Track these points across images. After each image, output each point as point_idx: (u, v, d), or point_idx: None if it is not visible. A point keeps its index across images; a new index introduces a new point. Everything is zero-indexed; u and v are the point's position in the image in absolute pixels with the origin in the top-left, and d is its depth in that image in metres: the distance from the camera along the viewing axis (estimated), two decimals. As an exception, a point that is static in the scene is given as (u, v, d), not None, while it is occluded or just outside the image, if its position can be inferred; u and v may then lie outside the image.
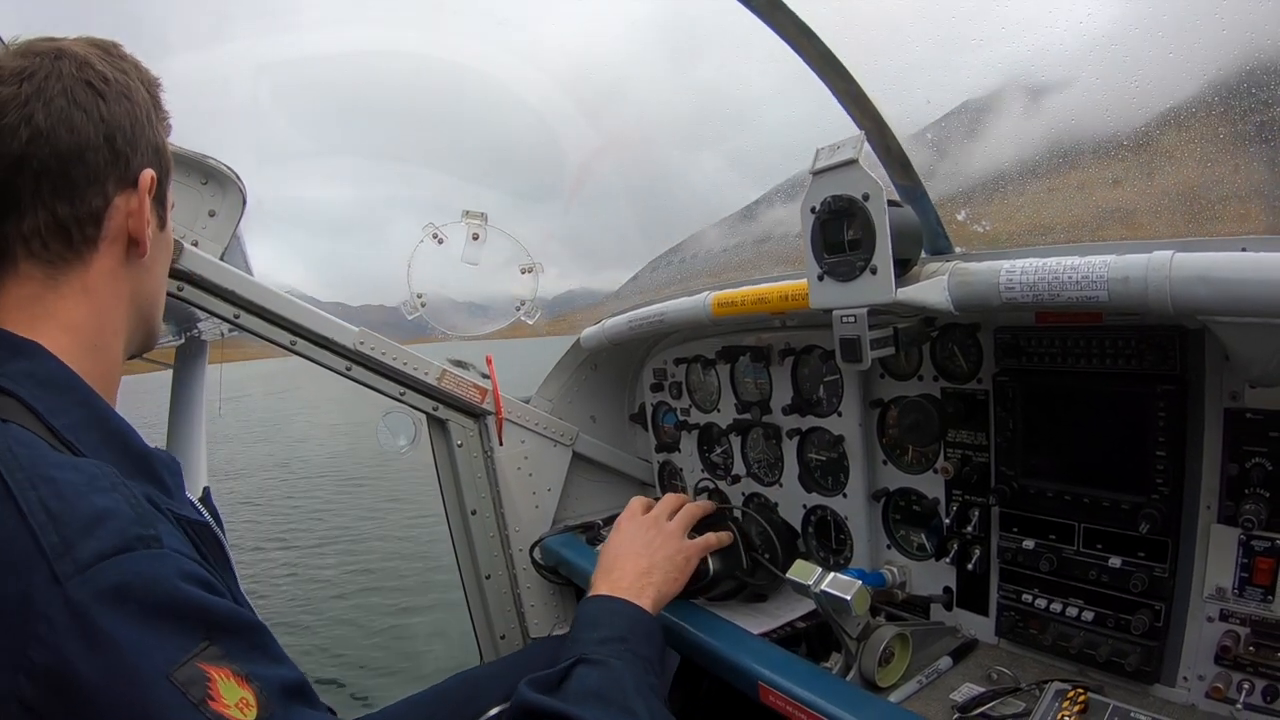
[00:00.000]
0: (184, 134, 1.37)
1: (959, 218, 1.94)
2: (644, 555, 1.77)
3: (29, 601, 0.80)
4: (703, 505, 2.08)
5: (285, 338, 2.42)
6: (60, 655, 0.78)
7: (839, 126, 1.85)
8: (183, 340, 3.27)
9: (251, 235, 2.38)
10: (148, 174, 1.17)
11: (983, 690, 1.69)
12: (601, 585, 1.71)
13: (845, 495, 2.31)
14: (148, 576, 0.86)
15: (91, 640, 0.80)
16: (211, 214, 2.23)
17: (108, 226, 1.14)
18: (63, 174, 1.08)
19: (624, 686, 1.36)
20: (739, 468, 2.74)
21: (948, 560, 2.01)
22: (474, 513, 2.87)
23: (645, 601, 1.69)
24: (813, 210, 1.76)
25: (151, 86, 1.24)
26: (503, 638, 2.93)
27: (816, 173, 1.73)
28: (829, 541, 2.43)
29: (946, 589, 2.06)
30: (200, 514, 1.16)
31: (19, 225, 1.08)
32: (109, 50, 1.20)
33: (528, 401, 2.98)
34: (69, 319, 1.11)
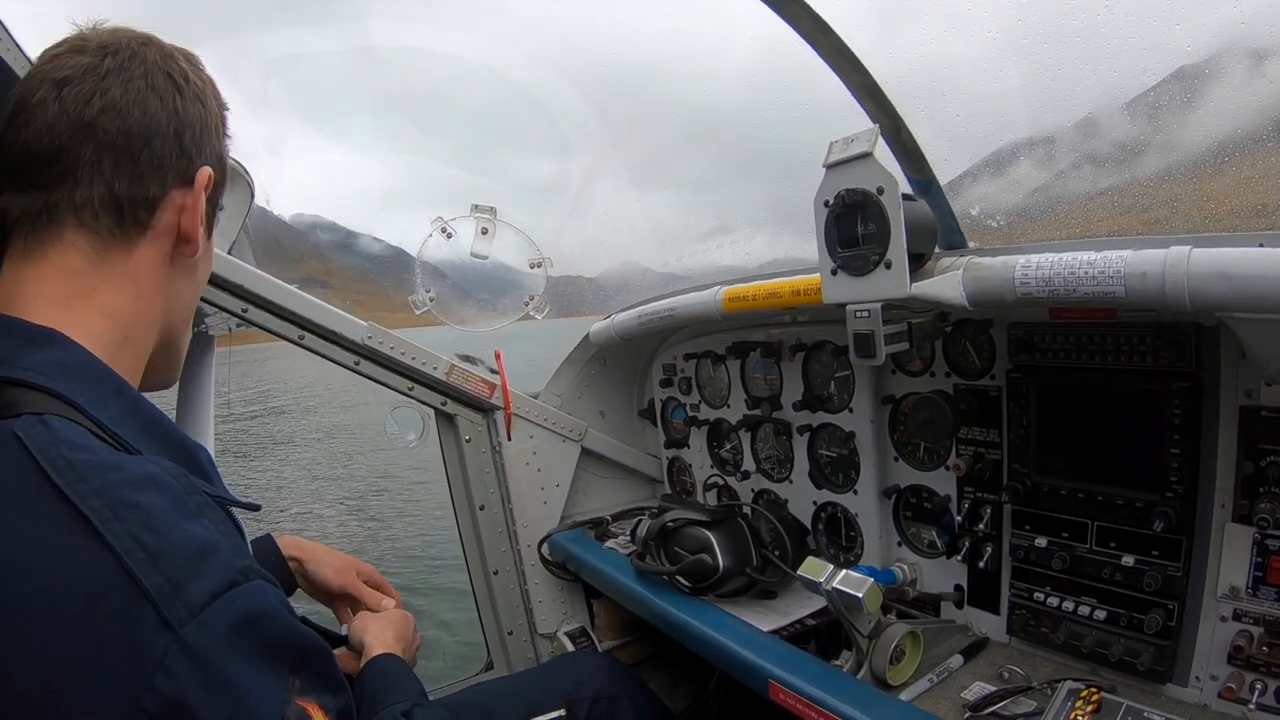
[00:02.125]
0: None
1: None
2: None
3: (141, 651, 0.76)
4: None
5: (294, 332, 2.42)
6: (182, 704, 0.75)
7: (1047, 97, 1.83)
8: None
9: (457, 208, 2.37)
10: (205, 171, 1.16)
11: (994, 689, 1.68)
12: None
13: (856, 492, 2.31)
14: (257, 613, 0.84)
15: (213, 687, 0.77)
16: (220, 208, 2.21)
17: (160, 217, 1.12)
18: (128, 152, 1.07)
19: None
20: (749, 464, 2.73)
21: (959, 558, 2.00)
22: (482, 508, 2.86)
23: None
24: (826, 204, 1.75)
25: (223, 106, 1.25)
26: (510, 633, 2.92)
27: (830, 166, 1.73)
28: (839, 539, 2.42)
29: (958, 587, 2.05)
30: (233, 496, 1.13)
31: (72, 193, 1.05)
32: (190, 58, 1.20)
33: (536, 397, 2.98)
34: (108, 303, 1.08)
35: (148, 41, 1.14)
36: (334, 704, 0.92)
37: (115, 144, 1.06)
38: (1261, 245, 1.28)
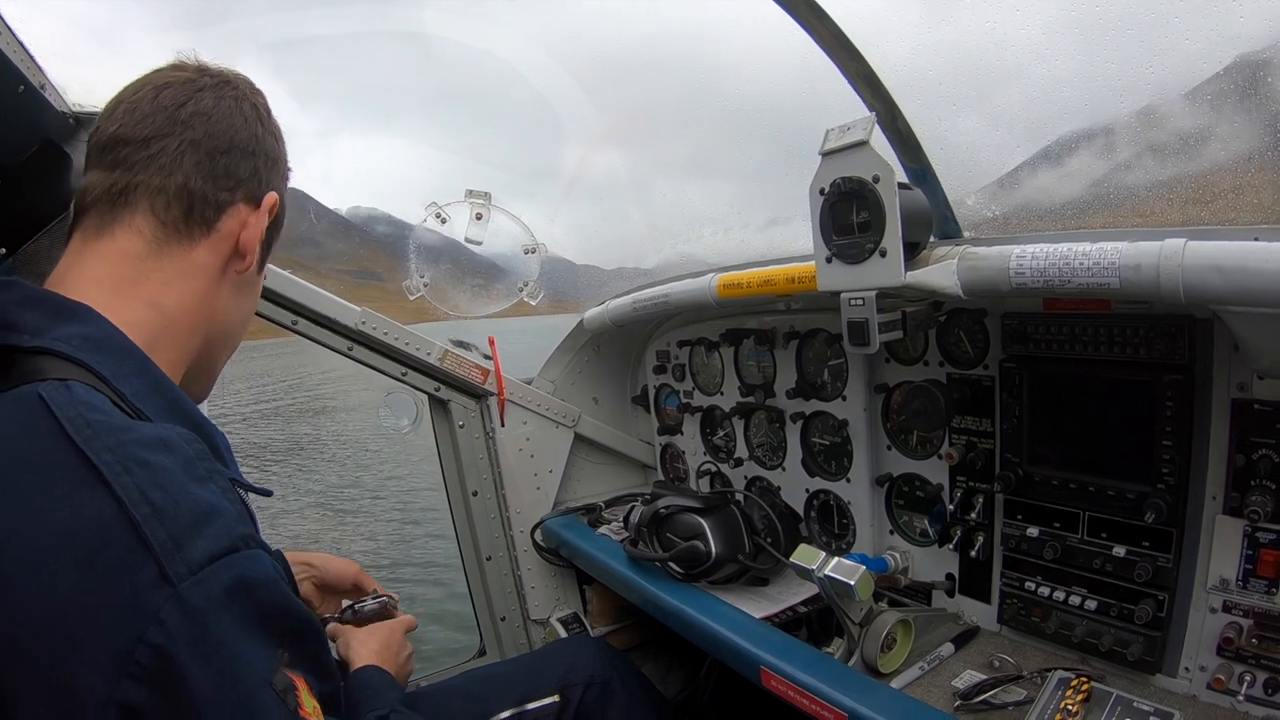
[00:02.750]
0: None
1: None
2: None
3: (137, 602, 0.77)
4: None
5: (287, 317, 2.41)
6: (173, 659, 0.76)
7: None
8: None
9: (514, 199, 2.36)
10: (273, 196, 1.25)
11: (984, 677, 1.69)
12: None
13: (849, 480, 2.31)
14: (252, 580, 0.86)
15: (203, 645, 0.78)
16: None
17: (224, 222, 1.18)
18: (209, 154, 1.15)
19: None
20: (741, 451, 2.74)
21: (951, 546, 2.01)
22: (475, 494, 2.86)
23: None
24: (822, 192, 1.74)
25: (285, 152, 1.33)
26: (503, 619, 2.93)
27: (826, 154, 1.72)
28: (831, 526, 2.43)
29: (949, 575, 2.06)
30: (246, 480, 1.15)
31: (153, 178, 1.12)
32: (266, 104, 1.29)
33: (530, 383, 2.98)
34: (156, 294, 1.12)
35: (240, 76, 1.26)
36: (318, 686, 0.93)
37: (199, 143, 1.14)
38: (1257, 239, 1.28)
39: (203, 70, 1.21)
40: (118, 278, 1.09)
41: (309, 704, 0.87)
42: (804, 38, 1.86)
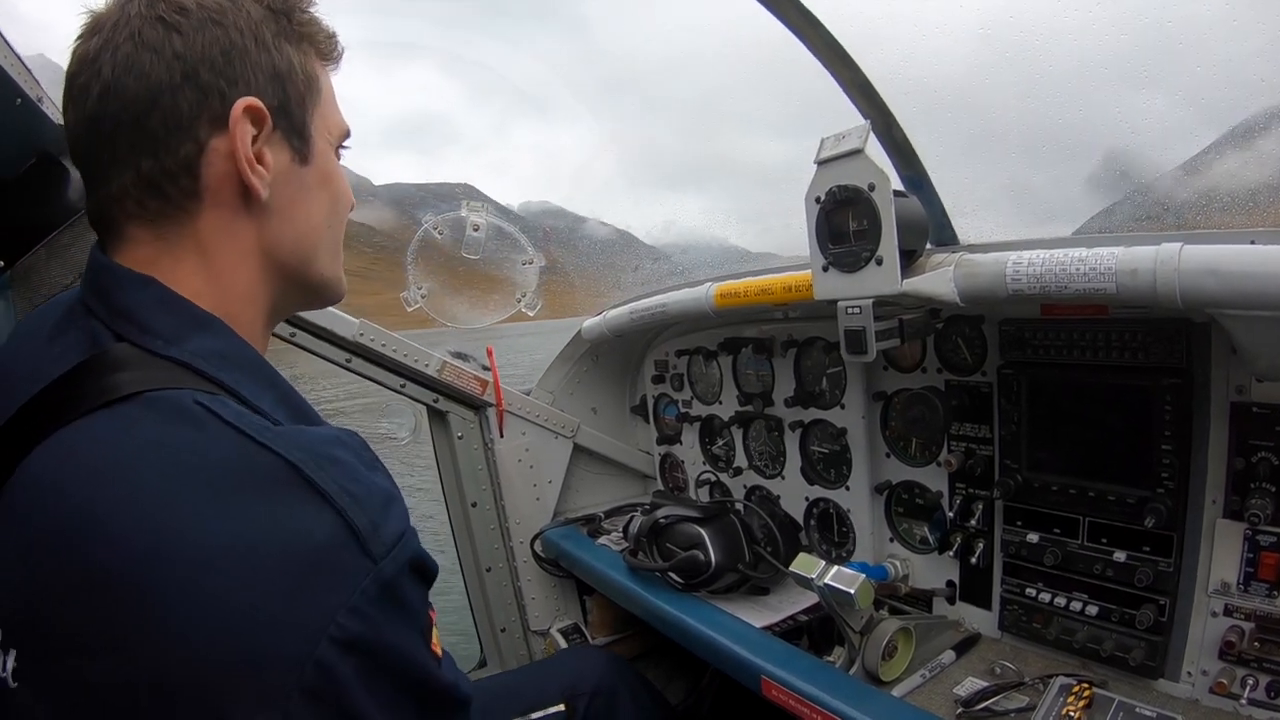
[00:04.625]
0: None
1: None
2: None
3: (344, 573, 0.79)
4: None
5: (284, 329, 2.40)
6: (372, 624, 0.79)
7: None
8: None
9: (680, 189, 2.31)
10: (240, 104, 0.98)
11: (986, 684, 1.69)
12: None
13: (848, 488, 2.31)
14: (421, 553, 0.89)
15: (395, 609, 0.82)
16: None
17: (208, 175, 0.97)
18: (136, 125, 0.94)
19: None
20: (741, 460, 2.73)
21: (951, 554, 2.00)
22: (474, 505, 2.86)
23: None
24: (817, 200, 1.74)
25: (277, 10, 1.05)
26: (503, 630, 2.92)
27: (821, 162, 1.72)
28: (831, 535, 2.42)
29: (950, 582, 2.05)
30: None
31: (109, 189, 0.96)
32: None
33: (528, 393, 2.97)
34: (190, 285, 0.97)
35: None
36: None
37: (122, 123, 0.94)
38: (1253, 242, 1.28)
39: (93, 27, 0.96)
40: (183, 290, 0.97)
41: (436, 636, 0.93)
42: (972, 23, 1.81)
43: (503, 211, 2.94)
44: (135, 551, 0.74)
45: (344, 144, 1.16)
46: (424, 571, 0.91)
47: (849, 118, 1.86)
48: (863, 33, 1.76)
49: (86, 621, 0.73)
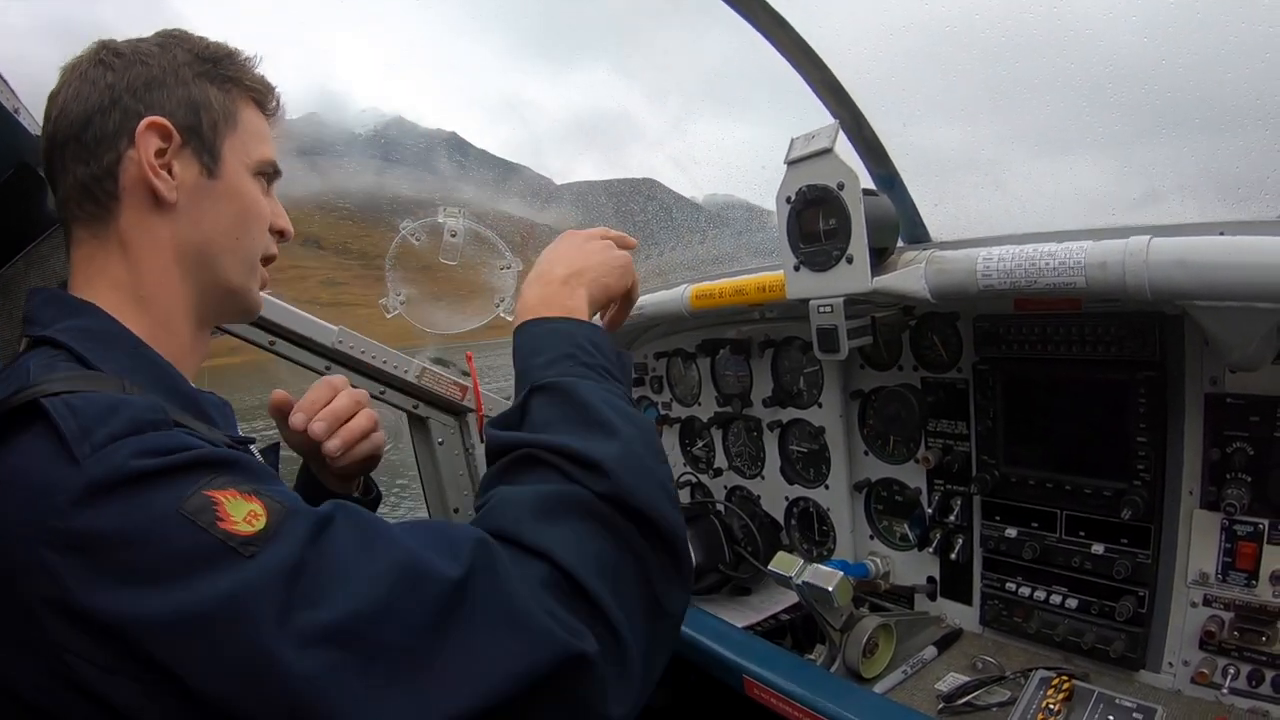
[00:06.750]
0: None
1: None
2: (576, 260, 1.52)
3: (50, 485, 0.82)
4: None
5: (263, 337, 2.38)
6: (81, 520, 0.80)
7: None
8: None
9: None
10: (145, 121, 1.18)
11: (968, 679, 1.69)
12: (529, 295, 1.49)
13: (827, 486, 2.31)
14: (155, 447, 0.88)
15: (106, 501, 0.82)
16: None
17: (124, 178, 1.18)
18: (76, 140, 1.16)
19: (585, 402, 1.24)
20: (720, 461, 2.73)
21: (931, 550, 2.00)
22: (456, 511, 2.84)
23: (577, 302, 1.46)
24: (788, 200, 1.75)
25: (207, 52, 1.27)
26: (487, 636, 2.90)
27: (791, 163, 1.72)
28: (812, 533, 2.42)
29: (930, 579, 2.05)
30: (240, 434, 1.22)
31: (60, 195, 1.19)
32: (160, 34, 1.28)
33: (509, 399, 2.95)
34: (114, 275, 1.18)
35: (97, 43, 1.22)
36: (282, 492, 0.93)
37: (67, 139, 1.16)
38: (1222, 233, 1.29)
39: (62, 74, 1.21)
40: (85, 279, 1.18)
41: (239, 511, 0.87)
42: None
43: (684, 202, 3.01)
44: None
45: (267, 171, 1.34)
46: (158, 462, 0.88)
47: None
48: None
49: None
